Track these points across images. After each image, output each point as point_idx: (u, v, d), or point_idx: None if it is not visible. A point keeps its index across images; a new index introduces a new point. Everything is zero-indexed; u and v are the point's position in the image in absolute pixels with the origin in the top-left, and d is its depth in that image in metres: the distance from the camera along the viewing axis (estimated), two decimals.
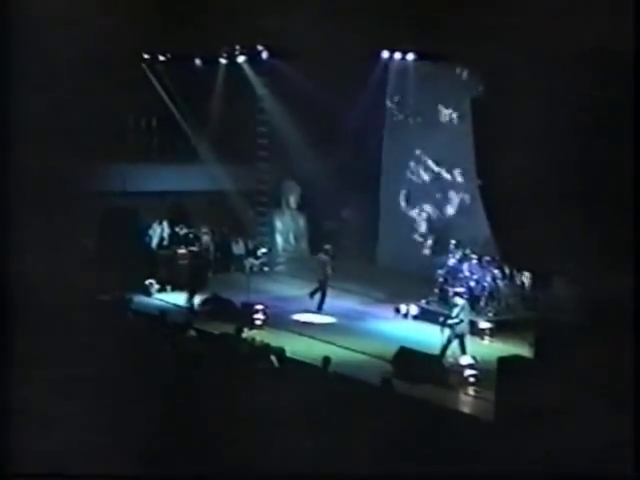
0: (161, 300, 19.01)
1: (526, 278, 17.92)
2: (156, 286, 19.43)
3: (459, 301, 15.40)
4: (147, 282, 19.29)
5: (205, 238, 21.67)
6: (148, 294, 19.09)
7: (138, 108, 22.46)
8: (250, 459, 9.99)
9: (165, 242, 21.31)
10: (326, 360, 12.91)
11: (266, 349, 13.62)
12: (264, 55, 21.22)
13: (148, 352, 12.84)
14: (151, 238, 21.20)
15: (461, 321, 15.09)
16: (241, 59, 21.74)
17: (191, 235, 21.47)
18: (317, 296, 18.57)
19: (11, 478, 9.42)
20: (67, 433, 9.83)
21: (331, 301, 18.94)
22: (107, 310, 15.10)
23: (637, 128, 11.36)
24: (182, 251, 20.72)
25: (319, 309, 18.41)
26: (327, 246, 19.05)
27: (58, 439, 9.71)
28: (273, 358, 13.05)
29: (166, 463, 9.87)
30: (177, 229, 21.44)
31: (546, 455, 10.16)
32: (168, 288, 19.64)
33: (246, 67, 21.85)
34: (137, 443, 9.97)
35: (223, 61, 21.95)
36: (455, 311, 15.23)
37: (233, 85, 21.86)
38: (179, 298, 18.97)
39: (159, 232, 21.33)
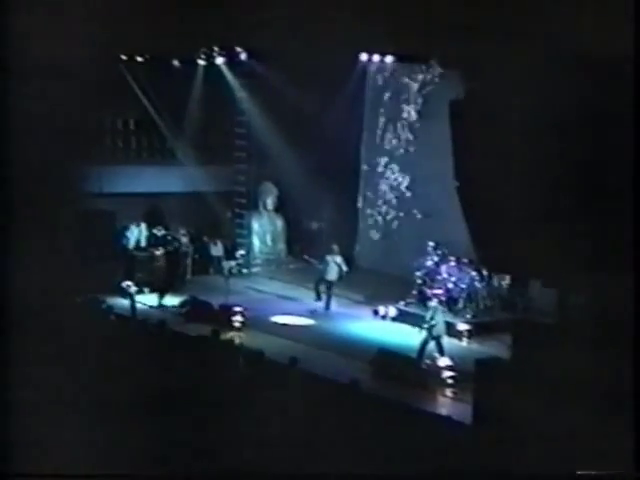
0: (139, 302, 18.91)
1: (504, 280, 18.02)
2: (134, 288, 19.32)
3: (432, 304, 15.53)
4: (124, 284, 19.17)
5: (183, 240, 21.58)
6: (125, 296, 18.97)
7: (115, 109, 22.33)
8: (242, 459, 9.99)
9: (142, 244, 21.20)
10: (293, 361, 12.95)
11: (244, 351, 13.62)
12: (243, 57, 21.19)
13: (140, 353, 12.79)
14: (128, 240, 21.08)
15: (437, 323, 15.16)
16: (220, 60, 21.69)
17: (169, 237, 21.38)
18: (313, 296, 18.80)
19: (11, 478, 9.38)
20: (67, 433, 9.80)
21: (310, 303, 18.96)
22: (89, 312, 15.03)
23: (637, 128, 11.40)
24: (160, 253, 20.63)
25: (327, 308, 18.57)
26: (335, 246, 19.10)
27: (58, 439, 9.68)
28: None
29: (166, 463, 9.85)
30: (155, 231, 21.34)
31: (525, 456, 10.22)
32: (146, 290, 19.54)
33: (225, 69, 21.81)
34: (137, 443, 9.95)
35: (201, 62, 21.88)
36: (429, 314, 15.34)
37: (211, 87, 21.80)
38: (156, 300, 18.89)
39: (136, 234, 21.21)
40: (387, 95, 21.39)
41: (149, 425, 10.50)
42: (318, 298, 18.80)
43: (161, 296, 18.71)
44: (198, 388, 11.78)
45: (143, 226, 21.34)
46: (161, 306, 18.35)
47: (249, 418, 11.05)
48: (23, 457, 9.43)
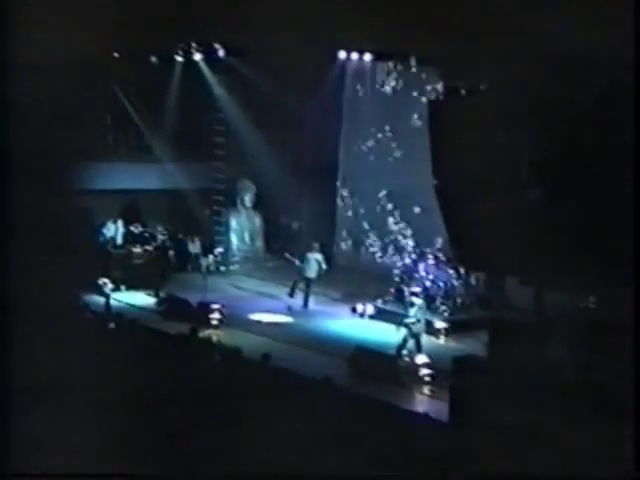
0: (116, 300, 18.82)
1: (481, 278, 18.11)
2: (110, 285, 19.21)
3: (417, 301, 15.53)
4: (101, 281, 19.05)
5: (160, 237, 21.50)
6: (102, 294, 18.86)
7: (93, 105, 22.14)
8: (222, 458, 10.00)
9: (120, 241, 21.09)
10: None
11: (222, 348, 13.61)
12: (221, 53, 21.12)
13: (118, 352, 12.75)
14: (105, 237, 20.96)
15: (418, 320, 15.21)
16: (197, 57, 21.60)
17: (146, 234, 21.29)
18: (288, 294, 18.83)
19: (11, 478, 9.34)
20: (67, 433, 9.77)
21: (287, 301, 18.96)
22: (73, 312, 14.94)
23: (637, 128, 11.47)
24: (137, 250, 20.54)
25: (305, 306, 18.58)
26: (315, 244, 19.10)
27: (58, 439, 9.64)
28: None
29: (166, 463, 9.83)
30: (132, 228, 21.24)
31: (504, 455, 10.28)
32: (122, 287, 19.44)
33: (202, 65, 21.73)
34: (137, 443, 9.92)
35: (179, 59, 21.78)
36: (412, 311, 15.36)
37: (189, 83, 21.71)
38: (134, 297, 18.80)
39: (113, 231, 21.10)
40: (366, 93, 21.41)
41: (136, 423, 10.48)
42: (292, 295, 18.76)
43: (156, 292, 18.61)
44: (176, 386, 11.75)
45: (120, 223, 21.23)
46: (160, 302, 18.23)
47: (227, 416, 11.03)
48: (22, 457, 9.41)
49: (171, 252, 21.31)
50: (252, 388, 12.23)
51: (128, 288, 19.42)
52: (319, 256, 18.95)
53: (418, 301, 15.50)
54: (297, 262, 19.04)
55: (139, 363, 12.59)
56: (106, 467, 9.42)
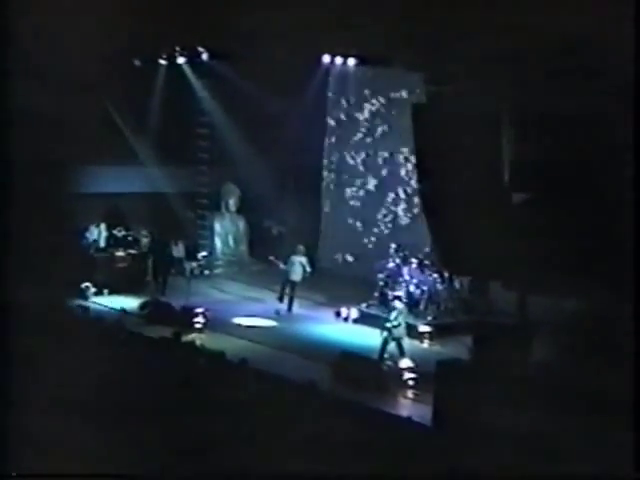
0: (98, 304, 18.72)
1: (465, 282, 18.14)
2: (92, 289, 19.12)
3: (397, 304, 15.55)
4: (84, 285, 18.95)
5: (144, 240, 21.40)
6: (85, 298, 18.76)
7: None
8: (207, 459, 9.98)
9: (102, 245, 20.98)
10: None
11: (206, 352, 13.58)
12: (204, 57, 21.07)
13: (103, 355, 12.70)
14: (88, 240, 20.84)
15: (399, 324, 15.22)
16: (181, 60, 21.55)
17: (130, 238, 21.19)
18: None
19: (11, 478, 9.26)
20: (67, 433, 9.72)
21: (272, 304, 18.93)
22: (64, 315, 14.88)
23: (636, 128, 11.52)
24: (120, 254, 20.44)
25: (289, 309, 18.57)
26: (301, 247, 19.07)
27: (58, 439, 9.58)
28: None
29: (166, 463, 9.78)
30: (115, 231, 21.13)
31: (488, 456, 10.29)
32: (105, 291, 19.33)
33: (186, 68, 21.67)
34: (137, 443, 9.88)
35: (163, 62, 21.71)
36: (393, 314, 15.37)
37: (173, 86, 21.65)
38: (117, 301, 18.70)
39: (96, 234, 20.98)
40: (350, 97, 21.43)
41: (154, 425, 10.47)
42: (281, 299, 18.76)
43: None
44: (161, 389, 11.72)
45: (103, 227, 21.12)
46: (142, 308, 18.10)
47: (210, 420, 11.00)
48: (22, 457, 9.36)
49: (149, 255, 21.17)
50: (236, 392, 12.20)
51: (111, 292, 19.31)
52: (303, 259, 18.94)
53: (399, 305, 15.51)
54: (282, 265, 19.00)
55: (126, 366, 12.56)
56: (106, 467, 9.39)
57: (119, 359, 12.70)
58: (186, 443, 10.54)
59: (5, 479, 9.40)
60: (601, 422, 10.25)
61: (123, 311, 17.73)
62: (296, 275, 18.77)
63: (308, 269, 18.90)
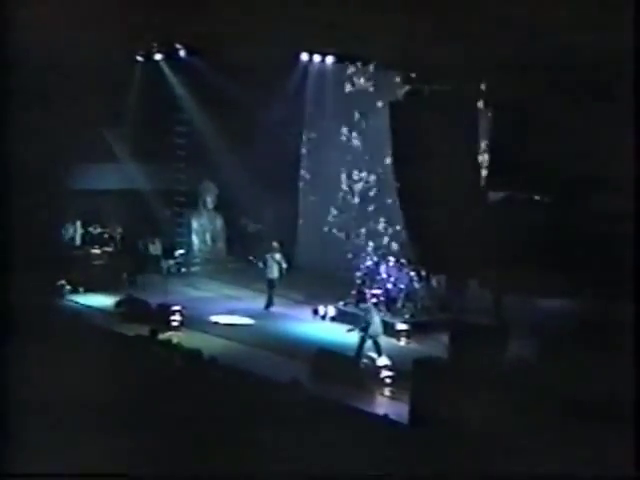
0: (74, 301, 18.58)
1: (442, 280, 18.20)
2: (68, 287, 18.97)
3: (365, 305, 15.64)
4: (59, 283, 18.80)
5: (120, 238, 21.27)
6: (60, 296, 18.61)
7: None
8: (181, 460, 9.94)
9: (78, 242, 20.83)
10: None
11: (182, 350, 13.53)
12: (182, 53, 20.97)
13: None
14: (64, 238, 20.68)
15: (368, 323, 15.24)
16: (158, 57, 21.41)
17: (106, 235, 21.05)
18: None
19: (11, 478, 9.16)
20: (67, 433, 9.64)
21: (249, 303, 18.89)
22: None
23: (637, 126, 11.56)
24: (96, 251, 20.30)
25: (267, 308, 18.53)
26: (275, 244, 19.03)
27: (58, 439, 9.51)
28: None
29: (166, 463, 9.73)
30: (91, 229, 20.99)
31: (462, 455, 10.32)
32: (81, 289, 19.19)
33: (163, 65, 21.54)
34: (137, 443, 9.81)
35: (140, 59, 21.56)
36: (363, 314, 15.48)
37: (150, 83, 21.50)
38: (92, 300, 18.58)
39: (72, 232, 20.83)
40: (328, 95, 21.40)
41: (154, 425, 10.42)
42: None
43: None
44: (137, 387, 11.67)
45: (78, 224, 20.98)
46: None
47: (187, 420, 10.95)
48: (22, 457, 9.29)
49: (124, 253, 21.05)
50: (213, 389, 12.15)
51: (87, 290, 19.17)
52: (278, 256, 18.90)
53: (375, 304, 15.59)
54: (260, 264, 18.98)
55: (99, 364, 12.48)
56: (106, 467, 9.33)
57: (93, 357, 12.64)
58: (162, 442, 10.50)
59: (5, 479, 9.35)
60: (601, 422, 10.27)
61: (98, 309, 17.64)
62: (272, 273, 18.75)
63: (284, 265, 18.89)
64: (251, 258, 19.75)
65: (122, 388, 11.68)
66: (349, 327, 15.88)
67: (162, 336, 15.16)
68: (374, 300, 15.97)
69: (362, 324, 15.29)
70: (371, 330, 15.20)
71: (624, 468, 9.80)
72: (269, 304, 18.69)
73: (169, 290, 18.67)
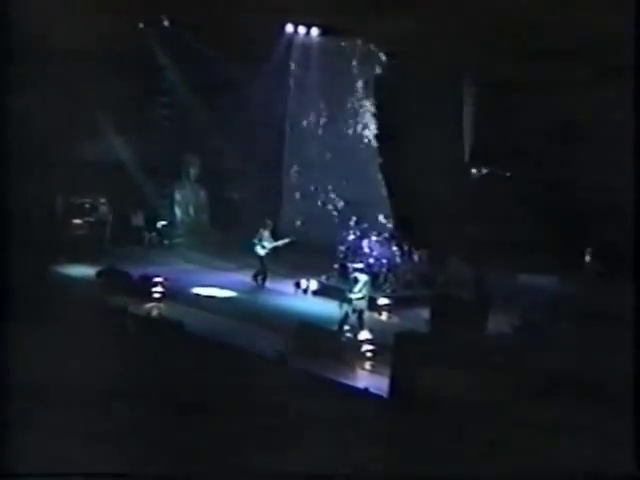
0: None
1: (424, 255, 18.24)
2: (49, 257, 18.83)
3: (362, 277, 15.47)
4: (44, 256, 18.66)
5: (102, 209, 21.14)
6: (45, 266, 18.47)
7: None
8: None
9: (60, 212, 20.68)
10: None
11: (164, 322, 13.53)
12: (165, 23, 20.75)
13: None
14: (47, 209, 20.52)
15: (364, 297, 15.23)
16: (141, 26, 21.15)
17: (87, 205, 20.93)
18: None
19: (11, 478, 9.15)
20: (67, 433, 9.64)
21: (232, 275, 18.86)
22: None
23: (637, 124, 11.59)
24: (78, 221, 20.18)
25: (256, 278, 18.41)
26: (268, 221, 18.91)
27: (58, 439, 9.50)
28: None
29: (166, 463, 9.71)
30: (73, 199, 20.85)
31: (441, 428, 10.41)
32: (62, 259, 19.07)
33: (147, 34, 21.30)
34: (137, 443, 9.83)
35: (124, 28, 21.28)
36: (358, 286, 15.29)
37: (133, 53, 21.25)
38: (73, 270, 18.50)
39: (56, 203, 20.67)
40: (313, 69, 21.28)
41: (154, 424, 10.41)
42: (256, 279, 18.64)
43: None
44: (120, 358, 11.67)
45: (60, 195, 20.81)
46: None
47: (169, 392, 10.97)
48: (23, 457, 9.27)
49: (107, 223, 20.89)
50: (195, 361, 12.17)
51: (68, 260, 19.06)
52: (266, 233, 18.68)
53: (363, 277, 15.45)
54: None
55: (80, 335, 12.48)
56: (106, 467, 9.30)
57: (75, 329, 12.62)
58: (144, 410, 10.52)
59: (5, 479, 9.34)
60: (601, 421, 10.33)
61: (81, 280, 17.57)
62: (261, 250, 18.63)
63: (267, 245, 18.66)
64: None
65: (103, 361, 11.70)
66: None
67: (143, 307, 15.13)
68: (360, 274, 15.80)
69: (356, 297, 15.18)
70: (359, 304, 15.11)
71: (624, 468, 9.76)
72: (261, 275, 18.54)
73: (151, 261, 18.60)
